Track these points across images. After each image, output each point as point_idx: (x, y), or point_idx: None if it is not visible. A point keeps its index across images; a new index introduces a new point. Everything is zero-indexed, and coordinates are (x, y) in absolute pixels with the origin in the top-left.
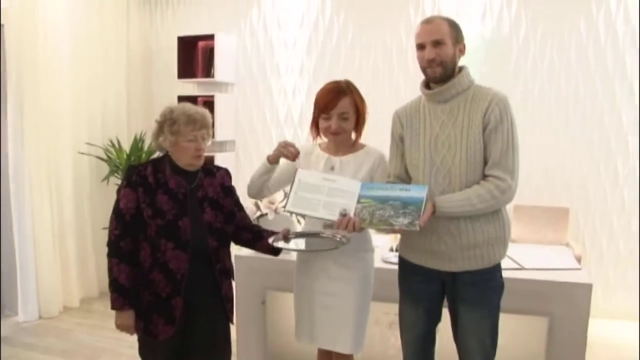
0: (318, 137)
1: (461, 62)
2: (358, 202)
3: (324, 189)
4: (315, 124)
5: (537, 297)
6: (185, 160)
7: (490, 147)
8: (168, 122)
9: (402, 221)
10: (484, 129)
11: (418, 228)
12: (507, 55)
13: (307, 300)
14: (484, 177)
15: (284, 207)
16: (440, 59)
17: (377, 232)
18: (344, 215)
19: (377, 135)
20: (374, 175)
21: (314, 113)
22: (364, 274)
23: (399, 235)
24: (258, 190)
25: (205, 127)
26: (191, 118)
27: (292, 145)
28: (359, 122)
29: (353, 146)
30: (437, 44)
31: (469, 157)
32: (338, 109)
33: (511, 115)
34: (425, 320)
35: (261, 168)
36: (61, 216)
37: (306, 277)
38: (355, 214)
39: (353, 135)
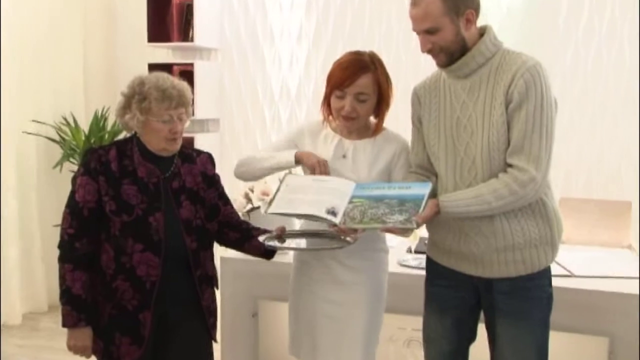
0: (330, 118)
1: (485, 21)
2: (350, 202)
3: (312, 189)
4: (327, 102)
5: (594, 312)
6: (157, 143)
7: (512, 130)
8: (137, 98)
9: (397, 218)
10: (507, 108)
11: (415, 225)
12: (554, 13)
13: (307, 309)
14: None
15: (266, 210)
16: (440, 46)
17: (370, 232)
18: (331, 212)
19: (390, 119)
20: (393, 168)
21: (327, 88)
22: (376, 279)
23: (418, 234)
24: (253, 177)
25: (183, 105)
26: (166, 94)
27: (325, 169)
28: (380, 106)
29: (371, 129)
30: (430, 32)
31: (492, 145)
32: (355, 87)
33: (542, 89)
34: (454, 334)
35: (278, 161)
36: (1, 212)
37: (306, 282)
38: (344, 214)
39: (372, 119)
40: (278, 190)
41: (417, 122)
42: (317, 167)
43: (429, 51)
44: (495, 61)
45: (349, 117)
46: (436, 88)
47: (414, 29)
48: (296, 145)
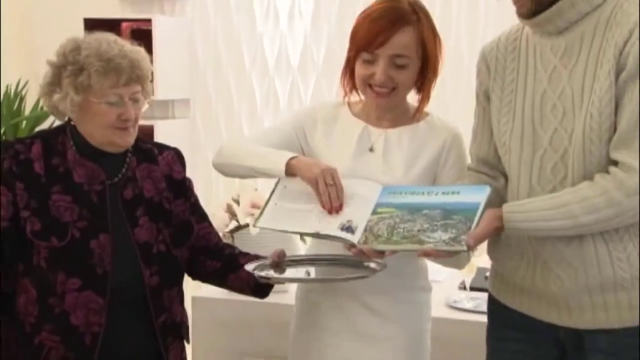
0: (353, 93)
1: None
2: (374, 212)
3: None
4: (349, 70)
5: None
6: (102, 135)
7: (621, 111)
8: (70, 70)
9: (441, 236)
10: (617, 78)
11: (465, 247)
12: None
13: None
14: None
15: (254, 224)
16: None
17: (404, 257)
18: (347, 228)
19: (435, 100)
20: (440, 169)
21: (349, 51)
22: (414, 330)
23: (475, 263)
24: (236, 175)
25: (137, 80)
26: (112, 65)
27: (336, 185)
28: (425, 76)
29: (410, 112)
30: None
31: (591, 132)
32: (391, 47)
33: None
34: None
35: (267, 165)
36: None
37: (313, 333)
38: (366, 230)
39: (411, 98)
40: (272, 195)
41: (484, 99)
42: (320, 180)
43: None
44: (606, 10)
45: (383, 89)
46: (514, 50)
47: None
48: (304, 134)
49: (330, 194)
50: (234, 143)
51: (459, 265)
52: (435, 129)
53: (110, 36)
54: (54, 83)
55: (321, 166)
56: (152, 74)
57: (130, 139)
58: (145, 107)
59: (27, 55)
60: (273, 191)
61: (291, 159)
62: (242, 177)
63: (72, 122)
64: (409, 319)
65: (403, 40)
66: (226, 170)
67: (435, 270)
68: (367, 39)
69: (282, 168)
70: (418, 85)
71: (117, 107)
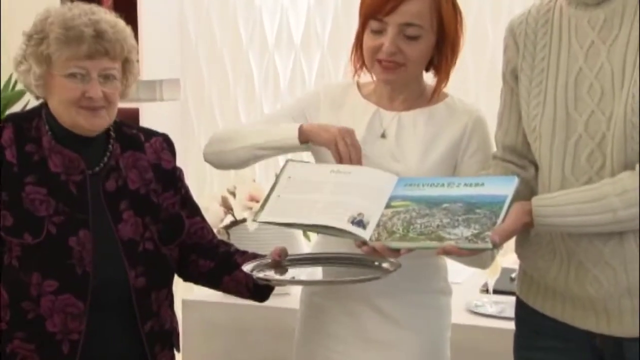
0: (362, 70)
1: None
2: (388, 206)
3: (327, 185)
4: (359, 45)
5: None
6: (67, 115)
7: None
8: (35, 39)
9: (462, 233)
10: None
11: (490, 246)
12: None
13: None
14: None
15: (255, 218)
16: None
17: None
18: (358, 223)
19: (455, 79)
20: (461, 156)
21: (359, 23)
22: (432, 337)
23: (500, 263)
24: (230, 162)
25: (105, 53)
26: (73, 33)
27: (355, 147)
28: (442, 51)
29: (426, 93)
30: None
31: (635, 115)
32: (400, 14)
33: None
34: None
35: (271, 137)
36: None
37: (319, 340)
38: (379, 225)
39: (426, 77)
40: (275, 186)
41: (511, 79)
42: (340, 140)
43: None
44: None
45: (390, 62)
46: (546, 24)
47: None
48: (306, 120)
49: (351, 154)
50: (226, 131)
51: (483, 265)
52: (455, 112)
53: (88, 6)
54: (23, 55)
55: (338, 126)
56: (136, 51)
57: (100, 121)
58: (132, 87)
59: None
60: (275, 183)
61: (303, 125)
62: (241, 163)
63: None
64: (426, 326)
65: (415, 7)
66: (222, 158)
67: (454, 270)
68: (375, 4)
69: (295, 135)
70: (435, 63)
71: (82, 82)
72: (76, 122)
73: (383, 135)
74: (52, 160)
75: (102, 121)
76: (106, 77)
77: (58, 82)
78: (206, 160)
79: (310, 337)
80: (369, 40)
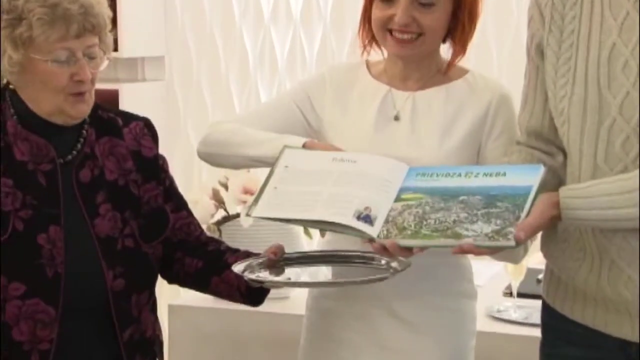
0: (372, 47)
1: None
2: (398, 199)
3: (330, 175)
4: (367, 17)
5: None
6: (51, 104)
7: None
8: (9, 19)
9: (482, 229)
10: None
11: (513, 243)
12: None
13: None
14: None
15: (248, 212)
16: None
17: (432, 252)
18: (364, 218)
19: (476, 59)
20: (485, 140)
21: None
22: (454, 344)
23: (525, 263)
24: (227, 166)
25: (92, 29)
26: (60, 11)
27: None
28: (459, 21)
29: (443, 69)
30: None
31: None
32: None
33: None
34: None
35: (270, 152)
36: None
37: (327, 349)
38: (387, 220)
39: (443, 52)
40: (270, 176)
41: (537, 55)
42: None
43: None
44: None
45: (405, 34)
46: None
47: None
48: (310, 107)
49: None
50: (223, 127)
51: (515, 259)
52: (476, 89)
53: None
54: None
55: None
56: (114, 21)
57: (86, 107)
58: (104, 64)
59: None
60: (271, 173)
61: (307, 141)
62: (237, 167)
63: (11, 86)
64: (447, 332)
65: None
66: (217, 161)
67: (479, 269)
68: None
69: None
70: (453, 35)
71: (69, 65)
72: (63, 109)
73: (396, 118)
74: (17, 147)
75: (87, 107)
76: (91, 56)
77: (42, 68)
78: (200, 157)
79: (317, 344)
80: (378, 11)
